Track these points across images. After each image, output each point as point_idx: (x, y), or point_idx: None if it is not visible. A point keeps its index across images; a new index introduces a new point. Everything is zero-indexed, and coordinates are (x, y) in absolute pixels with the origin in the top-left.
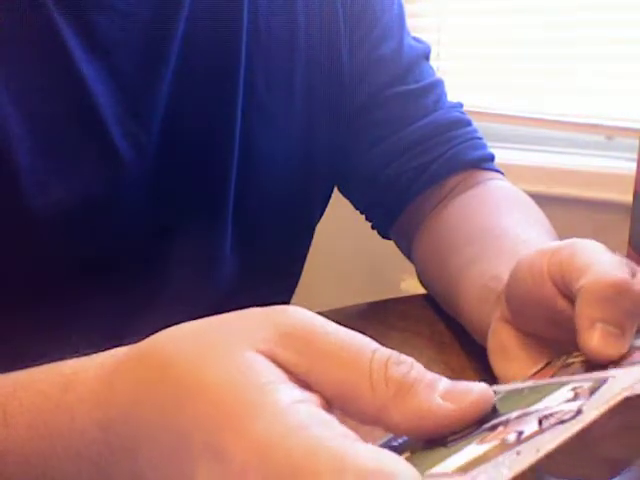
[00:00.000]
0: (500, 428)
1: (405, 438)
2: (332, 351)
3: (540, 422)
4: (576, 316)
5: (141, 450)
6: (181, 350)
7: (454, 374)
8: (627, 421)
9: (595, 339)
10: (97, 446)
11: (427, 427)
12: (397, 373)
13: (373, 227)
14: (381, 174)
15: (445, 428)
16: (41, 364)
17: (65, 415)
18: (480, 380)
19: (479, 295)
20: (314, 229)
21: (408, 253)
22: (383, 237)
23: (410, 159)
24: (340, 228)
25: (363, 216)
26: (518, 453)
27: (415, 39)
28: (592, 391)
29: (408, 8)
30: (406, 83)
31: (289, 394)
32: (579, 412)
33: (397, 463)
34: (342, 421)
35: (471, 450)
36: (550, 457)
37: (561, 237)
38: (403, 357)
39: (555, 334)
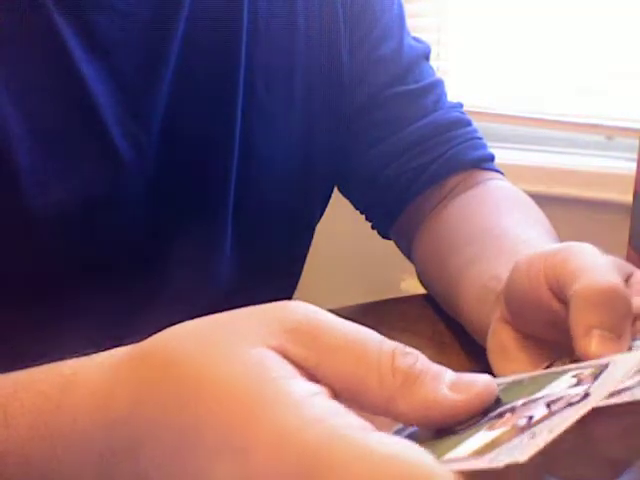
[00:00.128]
0: (507, 415)
1: (413, 429)
2: (339, 344)
3: (548, 406)
4: (570, 323)
5: (143, 450)
6: (186, 348)
7: None
8: (631, 422)
9: (593, 345)
10: (98, 447)
11: (434, 417)
12: (404, 364)
13: (373, 227)
14: (381, 174)
15: (452, 418)
16: (41, 364)
17: (66, 416)
18: None
19: (479, 295)
20: (314, 229)
21: (408, 253)
22: (383, 237)
23: (410, 159)
24: (340, 228)
25: (363, 216)
26: (532, 435)
27: (415, 39)
28: (595, 376)
29: (408, 8)
30: (406, 83)
31: (302, 387)
32: (586, 395)
33: (414, 451)
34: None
35: (482, 436)
36: (562, 438)
37: (561, 237)
38: (408, 349)
39: (554, 336)
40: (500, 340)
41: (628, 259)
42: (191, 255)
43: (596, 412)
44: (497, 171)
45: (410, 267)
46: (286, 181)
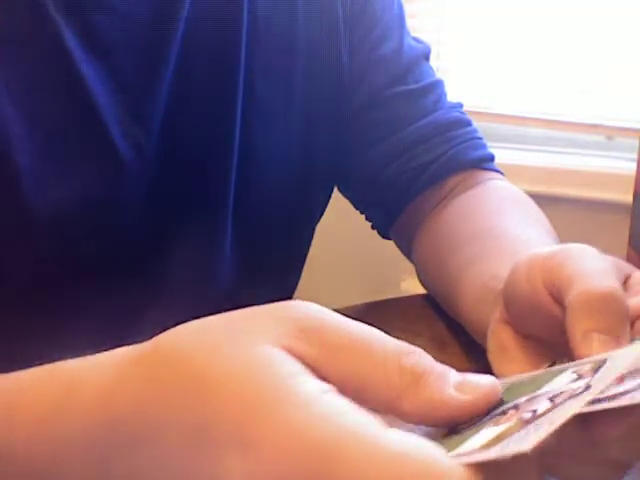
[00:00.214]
0: (511, 412)
1: (415, 428)
2: (344, 343)
3: (551, 400)
4: (568, 328)
5: (145, 448)
6: (192, 347)
7: None
8: (631, 425)
9: (592, 349)
10: (99, 447)
11: (440, 417)
12: (410, 364)
13: (373, 227)
14: (381, 174)
15: (457, 418)
16: (42, 365)
17: (69, 417)
18: None
19: (478, 295)
20: (314, 229)
21: (408, 253)
22: (383, 237)
23: (410, 159)
24: (340, 228)
25: (363, 216)
26: (537, 427)
27: (415, 39)
28: (595, 370)
29: (408, 8)
30: (406, 83)
31: (312, 385)
32: (588, 387)
33: (426, 447)
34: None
35: (488, 432)
36: (564, 429)
37: (561, 237)
38: (413, 348)
39: (553, 337)
40: (499, 340)
41: (628, 259)
42: (191, 255)
43: (596, 415)
44: (497, 171)
45: (410, 267)
46: (286, 181)
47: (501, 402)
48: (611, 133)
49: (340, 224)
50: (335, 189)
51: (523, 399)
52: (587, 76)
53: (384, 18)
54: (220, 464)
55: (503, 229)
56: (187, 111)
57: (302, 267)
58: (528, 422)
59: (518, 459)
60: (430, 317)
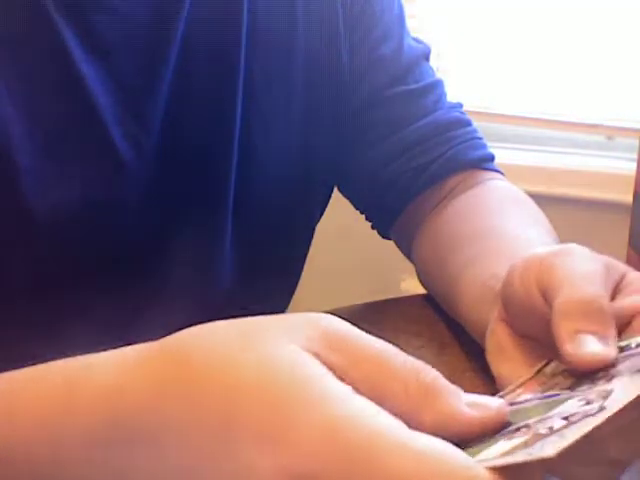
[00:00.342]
0: (523, 429)
1: None
2: (368, 354)
3: (566, 419)
4: (553, 331)
5: (149, 447)
6: (220, 346)
7: (454, 374)
8: (626, 422)
9: (579, 348)
10: (101, 448)
11: (453, 431)
12: (428, 378)
13: (373, 227)
14: (381, 174)
15: (468, 434)
16: (40, 364)
17: (69, 418)
18: (480, 380)
19: (478, 295)
20: (314, 229)
21: (408, 253)
22: (383, 237)
23: (410, 159)
24: (340, 228)
25: (363, 216)
26: (561, 435)
27: (415, 39)
28: (604, 397)
29: (408, 8)
30: (406, 83)
31: (343, 386)
32: (602, 408)
33: (453, 449)
34: None
35: (503, 445)
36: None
37: (561, 237)
38: (429, 366)
39: (550, 337)
40: (498, 340)
41: (628, 259)
42: (191, 255)
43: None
44: (497, 171)
45: (410, 267)
46: (286, 181)
47: (509, 424)
48: (611, 133)
49: (340, 224)
50: (335, 189)
51: (532, 420)
52: (587, 76)
53: (384, 18)
54: (243, 460)
55: (503, 229)
56: (187, 111)
57: (302, 267)
58: (545, 436)
59: (545, 463)
60: (430, 317)
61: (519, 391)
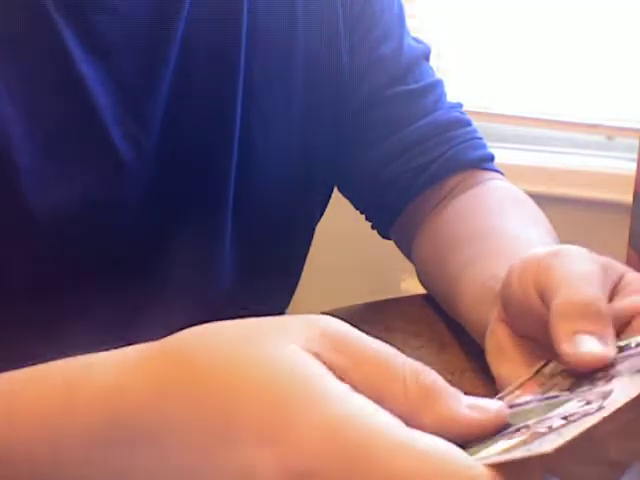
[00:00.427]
0: (523, 430)
1: None
2: (368, 356)
3: (565, 418)
4: (551, 332)
5: (150, 447)
6: (219, 346)
7: (454, 374)
8: (627, 422)
9: (577, 347)
10: (101, 449)
11: (452, 432)
12: (427, 379)
13: (373, 227)
14: (381, 174)
15: (468, 435)
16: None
17: (69, 418)
18: (480, 380)
19: (478, 295)
20: (314, 229)
21: (408, 253)
22: (383, 237)
23: (410, 159)
24: (340, 228)
25: (363, 216)
26: (559, 434)
27: (415, 39)
28: (603, 397)
29: (408, 8)
30: (406, 83)
31: (342, 385)
32: (601, 408)
33: (452, 447)
34: None
35: (503, 444)
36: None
37: (561, 237)
38: (428, 368)
39: (547, 338)
40: (497, 340)
41: (628, 259)
42: (191, 255)
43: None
44: (497, 171)
45: (410, 267)
46: (286, 181)
47: (508, 425)
48: (611, 133)
49: (340, 224)
50: (335, 189)
51: (531, 421)
52: (587, 76)
53: (384, 18)
54: (243, 460)
55: (503, 229)
56: (187, 111)
57: (302, 267)
58: (544, 434)
59: (538, 461)
60: (430, 317)
61: (518, 392)
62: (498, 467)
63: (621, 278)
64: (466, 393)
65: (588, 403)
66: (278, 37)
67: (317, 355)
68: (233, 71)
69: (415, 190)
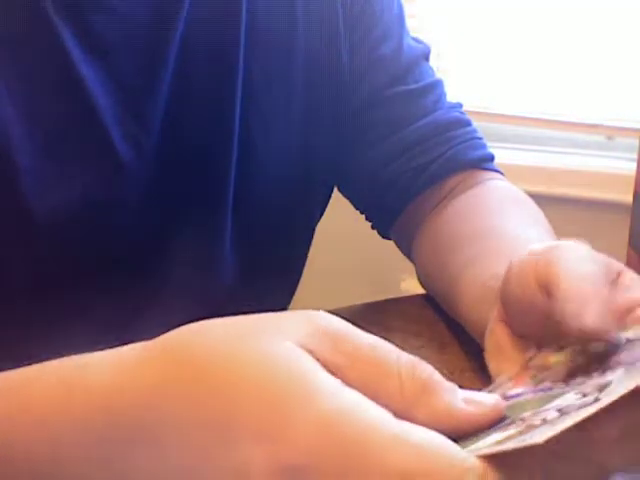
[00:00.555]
0: (518, 422)
1: None
2: (363, 351)
3: (560, 411)
4: (561, 313)
5: (150, 446)
6: (213, 344)
7: (454, 374)
8: (628, 422)
9: (588, 321)
10: (101, 448)
11: (448, 427)
12: (423, 374)
13: (373, 227)
14: (381, 174)
15: (464, 430)
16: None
17: (68, 417)
18: (480, 380)
19: (478, 295)
20: (314, 229)
21: (408, 253)
22: (383, 237)
23: (410, 159)
24: (340, 228)
25: (363, 216)
26: (551, 424)
27: (415, 39)
28: (600, 390)
29: (408, 8)
30: (406, 83)
31: (334, 380)
32: (597, 400)
33: (445, 440)
34: None
35: (497, 436)
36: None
37: (561, 237)
38: (424, 362)
39: (548, 337)
40: (497, 339)
41: (628, 259)
42: (191, 254)
43: (595, 416)
44: (497, 171)
45: (410, 267)
46: (286, 181)
47: (504, 418)
48: (611, 133)
49: (340, 224)
50: (335, 189)
51: (527, 414)
52: (587, 76)
53: (384, 18)
54: (241, 458)
55: (503, 229)
56: (187, 111)
57: (302, 267)
58: (538, 426)
59: (529, 451)
60: (430, 317)
61: (510, 384)
62: (490, 458)
63: (619, 275)
64: None
65: (584, 395)
66: (278, 37)
67: (311, 352)
68: (232, 71)
69: (415, 190)
